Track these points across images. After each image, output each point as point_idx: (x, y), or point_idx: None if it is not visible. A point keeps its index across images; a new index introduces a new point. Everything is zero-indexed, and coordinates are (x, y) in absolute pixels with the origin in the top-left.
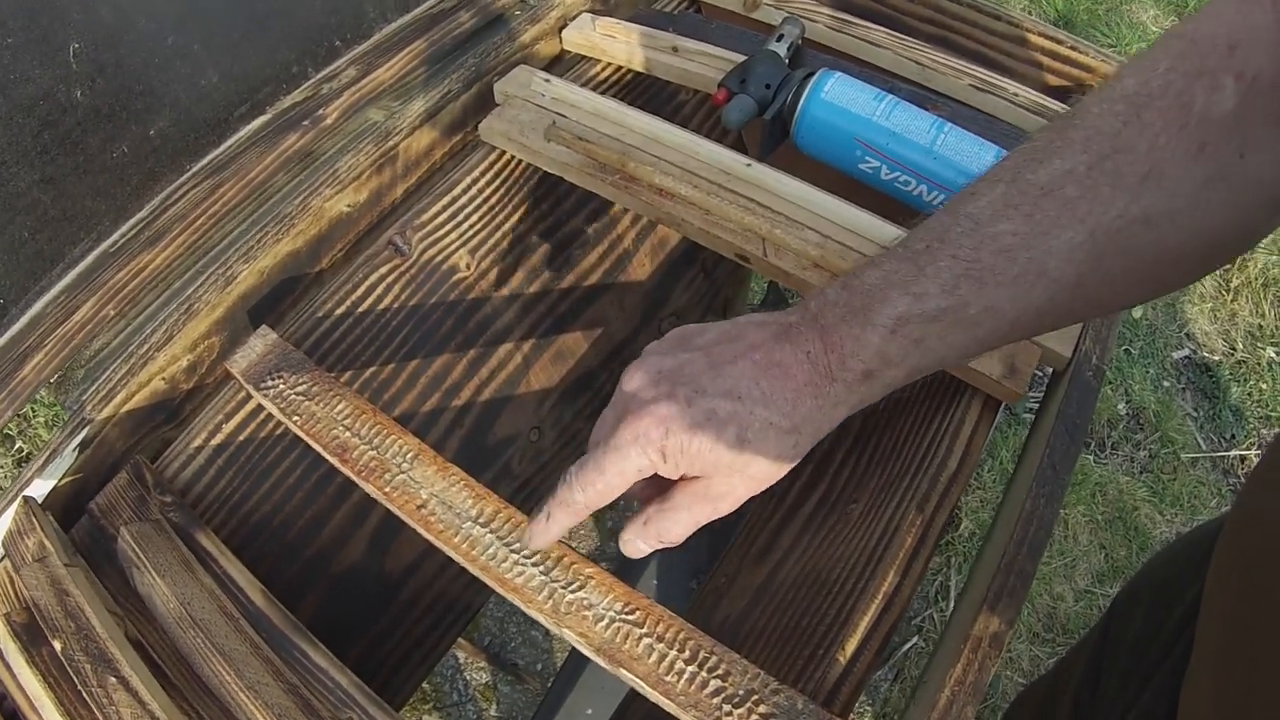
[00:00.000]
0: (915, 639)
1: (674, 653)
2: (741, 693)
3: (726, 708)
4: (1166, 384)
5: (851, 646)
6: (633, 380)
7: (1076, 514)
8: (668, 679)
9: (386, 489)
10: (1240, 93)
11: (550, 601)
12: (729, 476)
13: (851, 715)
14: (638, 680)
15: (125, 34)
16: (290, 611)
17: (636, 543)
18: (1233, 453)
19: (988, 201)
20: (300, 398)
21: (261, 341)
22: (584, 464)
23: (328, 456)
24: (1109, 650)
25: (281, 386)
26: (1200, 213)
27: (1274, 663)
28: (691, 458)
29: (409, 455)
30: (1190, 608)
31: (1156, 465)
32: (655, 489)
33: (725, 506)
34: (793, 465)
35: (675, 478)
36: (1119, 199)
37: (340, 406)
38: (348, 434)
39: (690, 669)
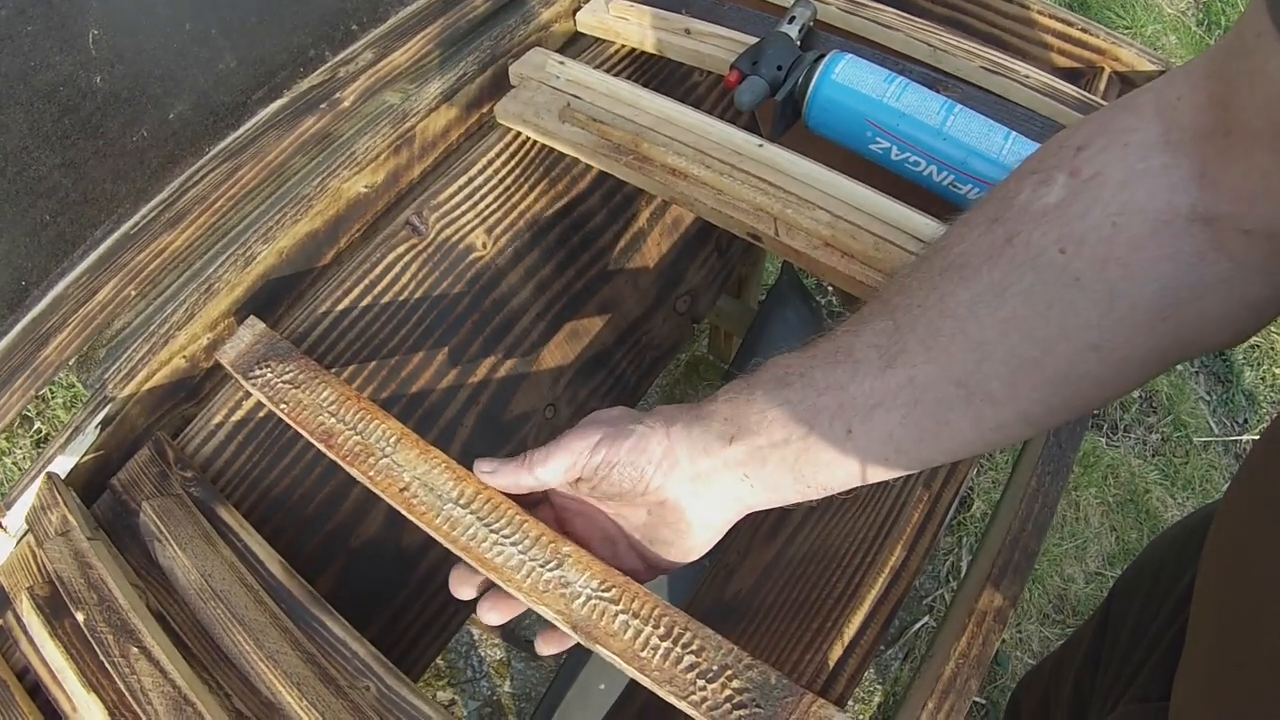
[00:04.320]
0: (926, 618)
1: (649, 629)
2: (715, 668)
3: (700, 682)
4: (1179, 367)
5: (858, 620)
6: None
7: (1088, 496)
8: (643, 654)
9: (370, 473)
10: (1070, 188)
11: (529, 580)
12: None
13: (859, 690)
14: (614, 656)
15: (144, 20)
16: (310, 584)
17: None
18: (1245, 437)
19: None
20: (287, 385)
21: (250, 332)
22: None
23: (314, 442)
24: (1110, 633)
25: (269, 375)
26: (1000, 301)
27: (1264, 663)
28: None
29: (392, 440)
30: (1185, 593)
31: (1169, 448)
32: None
33: None
34: None
35: None
36: (920, 291)
37: (326, 393)
38: (333, 420)
39: (665, 645)
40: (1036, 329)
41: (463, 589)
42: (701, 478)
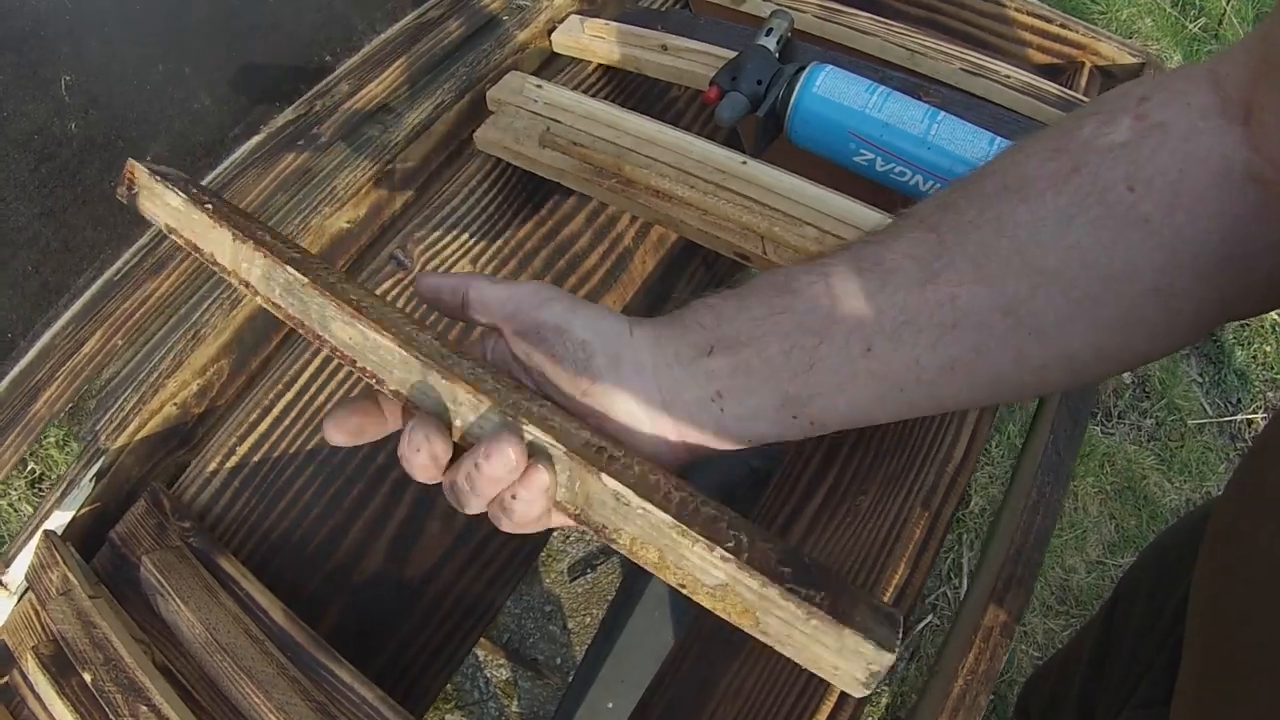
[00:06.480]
0: (930, 617)
1: (657, 476)
2: (744, 535)
3: (732, 532)
4: None
5: None
6: None
7: (1085, 485)
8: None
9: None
10: (1137, 131)
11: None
12: None
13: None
14: (625, 489)
15: (115, 64)
16: (313, 625)
17: None
18: (1239, 417)
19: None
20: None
21: None
22: None
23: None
24: (1114, 634)
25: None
26: (1066, 229)
27: (1250, 687)
28: None
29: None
30: (1185, 598)
31: (1164, 433)
32: None
33: None
34: None
35: None
36: (971, 208)
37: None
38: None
39: (680, 495)
40: (1101, 264)
41: (337, 435)
42: (661, 393)
